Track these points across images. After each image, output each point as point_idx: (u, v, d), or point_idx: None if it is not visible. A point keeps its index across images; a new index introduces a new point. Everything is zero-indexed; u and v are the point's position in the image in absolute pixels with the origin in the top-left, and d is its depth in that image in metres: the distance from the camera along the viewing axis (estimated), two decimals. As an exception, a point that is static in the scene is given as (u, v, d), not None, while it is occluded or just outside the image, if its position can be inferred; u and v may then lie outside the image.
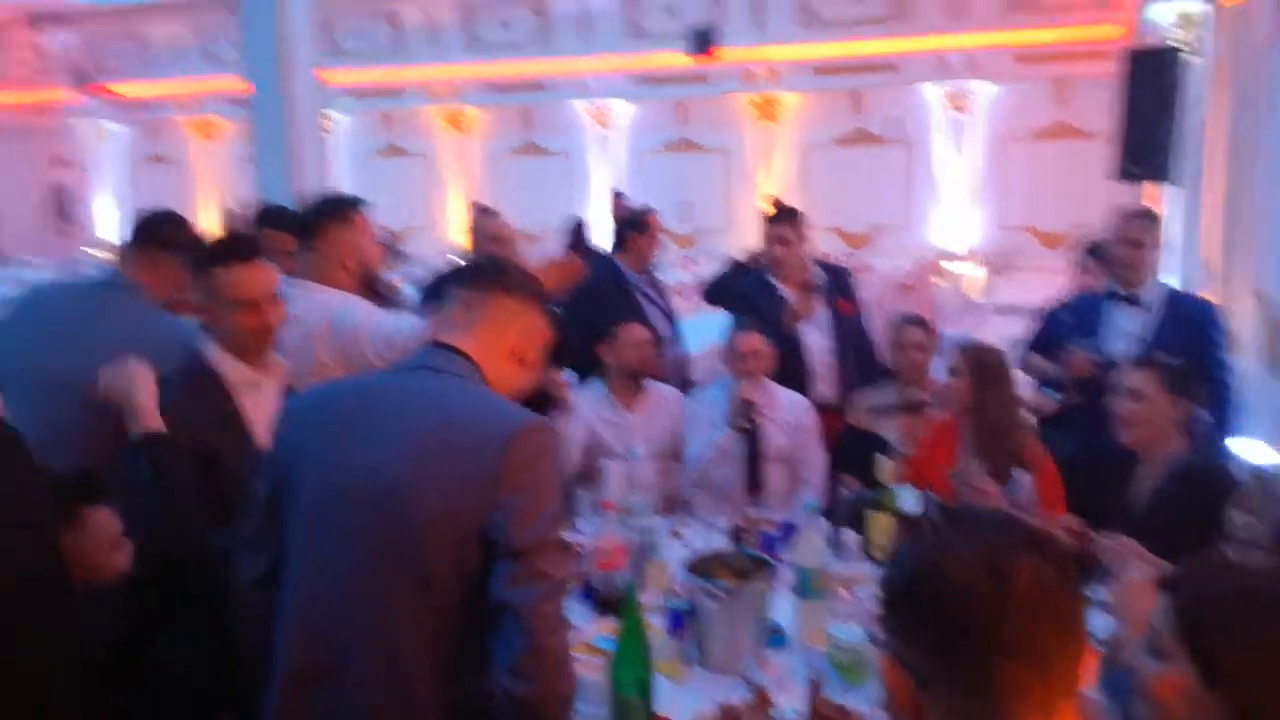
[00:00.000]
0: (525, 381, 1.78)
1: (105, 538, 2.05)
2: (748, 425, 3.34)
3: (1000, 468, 2.85)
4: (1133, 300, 3.49)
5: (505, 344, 1.72)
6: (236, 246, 2.34)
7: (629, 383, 3.60)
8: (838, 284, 4.05)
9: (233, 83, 7.57)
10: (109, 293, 2.58)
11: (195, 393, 2.21)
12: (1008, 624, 0.92)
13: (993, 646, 0.93)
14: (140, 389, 2.12)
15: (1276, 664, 1.15)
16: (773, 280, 3.98)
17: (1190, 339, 3.37)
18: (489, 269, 1.84)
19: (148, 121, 18.19)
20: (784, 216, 4.01)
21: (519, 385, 1.76)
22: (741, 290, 4.12)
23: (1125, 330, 3.51)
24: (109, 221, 18.22)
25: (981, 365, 3.06)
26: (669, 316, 4.48)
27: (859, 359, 3.98)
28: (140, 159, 18.53)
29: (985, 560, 0.94)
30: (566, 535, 1.55)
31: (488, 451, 1.52)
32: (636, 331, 3.60)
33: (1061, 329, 3.67)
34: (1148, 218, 3.54)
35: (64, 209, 18.69)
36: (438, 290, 1.87)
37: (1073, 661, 0.95)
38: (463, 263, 2.00)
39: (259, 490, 1.70)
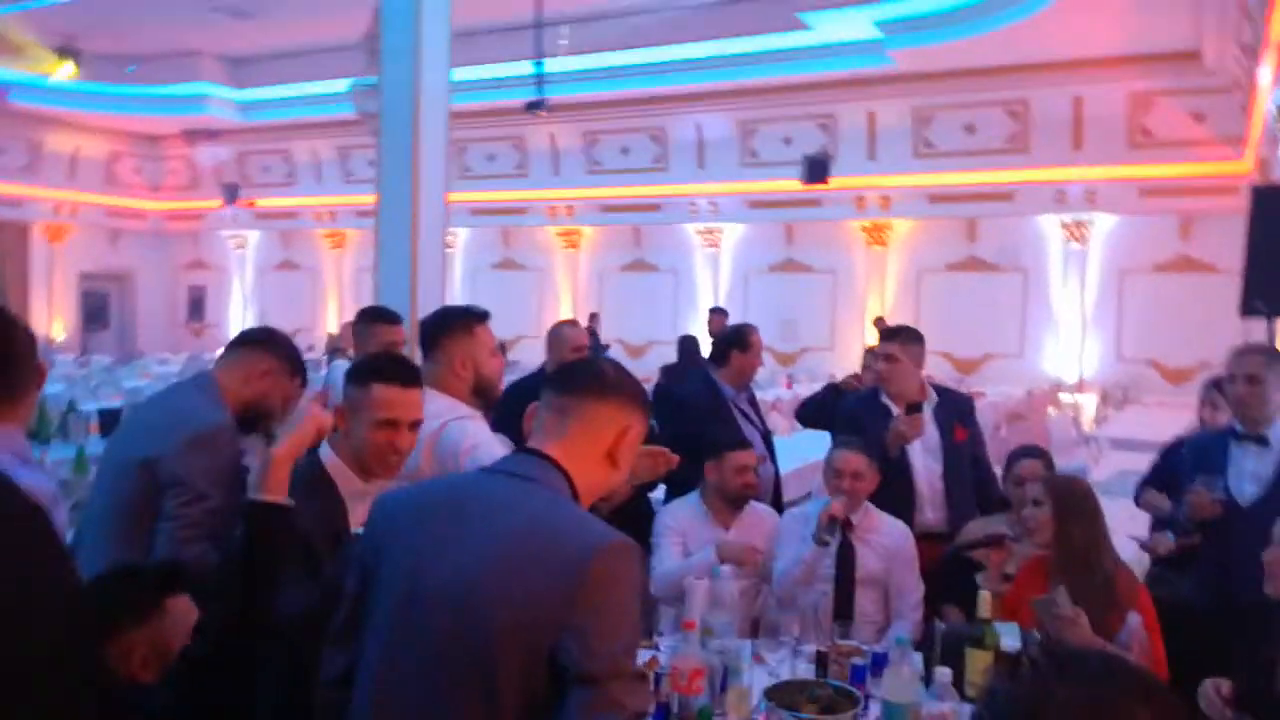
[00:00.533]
0: (616, 481, 1.75)
1: (184, 626, 2.08)
2: (829, 539, 3.26)
3: (1092, 603, 2.67)
4: (1259, 440, 3.31)
5: (598, 449, 1.68)
6: (404, 369, 2.40)
7: (728, 504, 3.56)
8: (955, 410, 3.95)
9: (365, 198, 8.05)
10: (184, 387, 2.75)
11: (310, 495, 2.24)
12: None
13: None
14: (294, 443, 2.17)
15: None
16: (884, 400, 3.92)
17: None
18: (583, 372, 1.77)
19: (283, 231, 19.38)
20: (892, 334, 3.96)
21: (610, 485, 1.74)
22: (852, 409, 4.05)
23: (1250, 471, 3.31)
24: (239, 321, 19.27)
25: (1065, 496, 2.93)
26: (765, 435, 4.43)
27: (973, 487, 3.84)
28: (270, 265, 19.67)
29: (1091, 711, 0.86)
30: (641, 665, 1.47)
31: (566, 567, 1.47)
32: (744, 456, 3.56)
33: (1182, 467, 3.49)
34: (1267, 354, 3.37)
35: (199, 309, 19.89)
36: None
37: None
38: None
39: (347, 586, 1.71)
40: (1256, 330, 7.51)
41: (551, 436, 1.68)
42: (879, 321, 12.86)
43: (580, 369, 1.81)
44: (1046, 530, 2.94)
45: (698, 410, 4.22)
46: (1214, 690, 2.38)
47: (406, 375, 2.35)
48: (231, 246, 19.85)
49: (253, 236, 19.77)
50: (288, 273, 19.44)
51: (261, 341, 2.70)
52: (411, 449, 2.35)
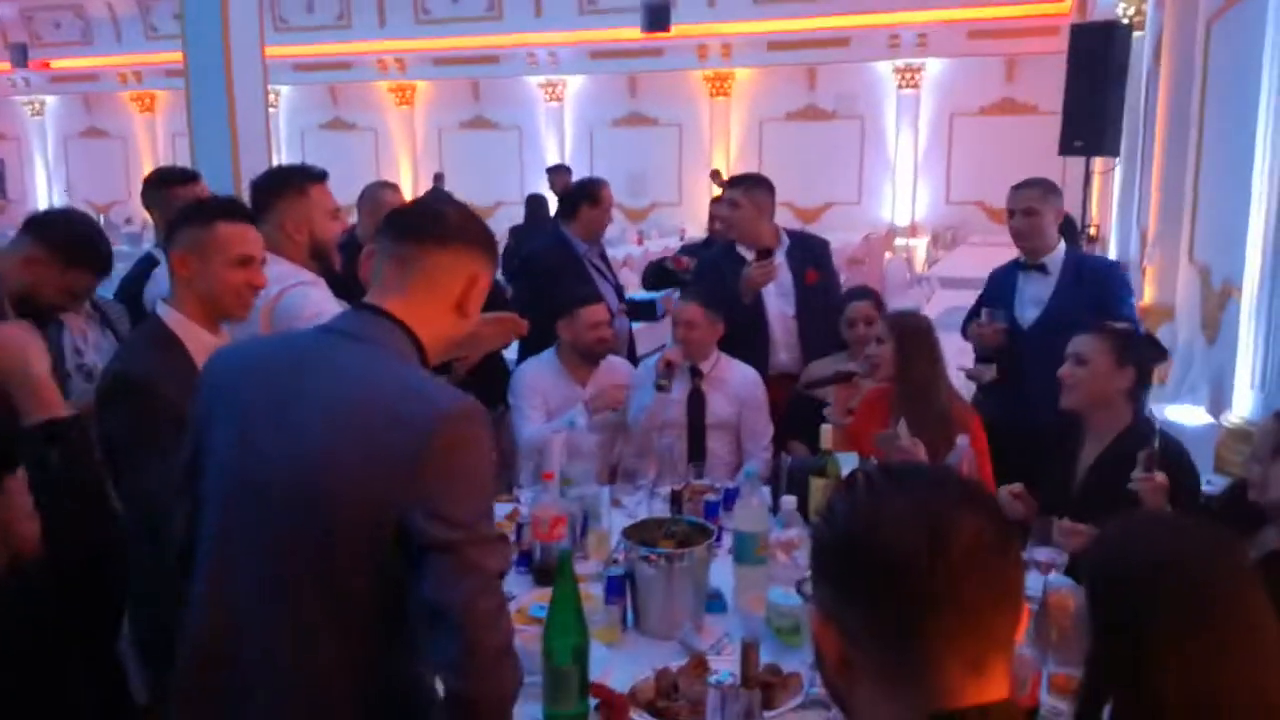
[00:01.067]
0: (464, 331, 1.64)
1: (24, 507, 1.97)
2: (665, 384, 3.37)
3: (930, 433, 2.86)
4: (1040, 269, 3.60)
5: (446, 302, 1.57)
6: (242, 206, 2.31)
7: (583, 360, 3.59)
8: (809, 253, 4.02)
9: (172, 55, 7.39)
10: None
11: (166, 357, 2.11)
12: (941, 579, 0.88)
13: (925, 600, 0.89)
14: (36, 366, 1.90)
15: (1151, 618, 1.23)
16: (740, 249, 3.96)
17: (1093, 298, 3.47)
18: (423, 217, 1.61)
19: (85, 94, 17.75)
20: (735, 182, 3.98)
21: (458, 336, 1.63)
22: (712, 260, 4.08)
23: (1032, 296, 3.61)
24: (45, 196, 17.77)
25: (905, 332, 3.08)
26: (618, 290, 4.44)
27: (826, 329, 3.96)
28: (74, 133, 18.09)
29: (923, 515, 0.90)
30: (501, 521, 1.43)
31: (409, 437, 1.38)
32: (597, 312, 3.56)
33: (982, 302, 3.76)
34: (1040, 186, 3.60)
35: (-2, 183, 18.19)
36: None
37: (1007, 620, 0.92)
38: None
39: (181, 454, 1.59)
40: (1075, 167, 7.94)
41: (392, 290, 1.55)
42: (715, 175, 12.95)
43: (420, 214, 1.64)
44: (889, 366, 3.07)
45: (549, 267, 4.17)
46: (1007, 494, 2.66)
47: (246, 212, 2.27)
48: (28, 114, 18.08)
49: (51, 102, 18.05)
50: (94, 140, 17.92)
51: (31, 226, 2.53)
52: (265, 284, 2.26)
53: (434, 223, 1.57)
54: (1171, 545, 1.29)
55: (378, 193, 4.11)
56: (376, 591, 1.41)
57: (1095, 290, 3.51)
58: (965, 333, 3.78)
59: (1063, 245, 3.65)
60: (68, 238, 2.56)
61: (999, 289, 3.72)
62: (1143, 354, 2.79)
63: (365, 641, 1.43)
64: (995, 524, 0.92)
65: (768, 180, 4.03)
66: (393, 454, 1.38)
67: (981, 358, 3.74)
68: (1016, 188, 3.65)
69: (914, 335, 3.07)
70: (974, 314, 3.83)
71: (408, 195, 4.69)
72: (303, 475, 1.42)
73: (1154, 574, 1.26)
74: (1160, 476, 2.30)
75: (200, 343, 2.15)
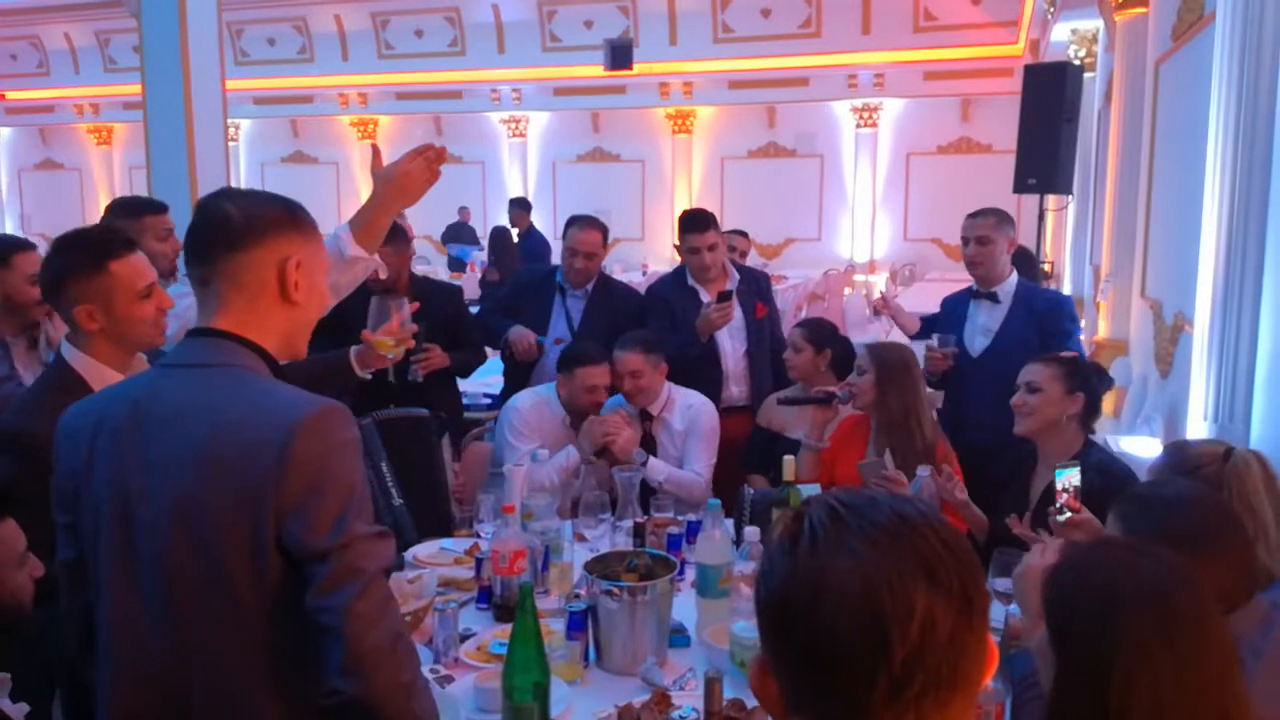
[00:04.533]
0: (310, 317, 1.59)
1: (13, 551, 1.91)
2: (594, 460, 3.38)
3: (913, 465, 2.88)
4: (991, 297, 3.67)
5: (265, 297, 1.52)
6: (123, 238, 2.23)
7: (576, 416, 3.49)
8: (755, 288, 4.05)
9: (131, 88, 7.31)
10: None
11: (69, 404, 2.06)
12: (883, 689, 0.81)
13: (865, 706, 0.82)
14: None
15: (1113, 638, 1.23)
16: (691, 283, 3.97)
17: (1040, 329, 3.57)
18: (205, 230, 1.52)
19: (41, 126, 17.53)
20: (707, 222, 3.97)
21: (303, 320, 1.58)
22: (659, 293, 4.08)
23: (982, 325, 3.69)
24: (-3, 229, 17.42)
25: (885, 363, 3.15)
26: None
27: (772, 362, 4.00)
28: (29, 165, 17.84)
29: (869, 595, 0.81)
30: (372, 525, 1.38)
31: (265, 453, 1.37)
32: (594, 374, 3.44)
33: (934, 327, 3.86)
34: (994, 216, 3.69)
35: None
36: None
37: (965, 691, 0.84)
38: None
39: (56, 518, 1.55)
40: (1029, 205, 8.08)
41: (212, 310, 1.51)
42: (696, 210, 12.98)
43: (201, 228, 1.53)
44: (868, 395, 3.15)
45: (535, 297, 4.13)
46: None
47: (131, 242, 2.22)
48: (-18, 144, 17.82)
49: (5, 133, 17.79)
50: (50, 172, 17.67)
51: None
52: (172, 305, 2.23)
53: (217, 232, 1.51)
54: (1130, 568, 1.30)
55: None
56: (273, 608, 1.41)
57: (1043, 322, 3.59)
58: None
59: (1015, 276, 3.73)
60: None
61: (950, 316, 3.80)
62: (1091, 381, 2.85)
63: (275, 658, 1.43)
64: (953, 597, 0.82)
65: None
66: (252, 480, 1.37)
67: (929, 383, 3.80)
68: (971, 216, 3.75)
69: (894, 367, 3.14)
70: (924, 338, 3.91)
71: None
72: (179, 519, 1.40)
73: (1115, 597, 1.26)
74: (1085, 514, 2.29)
75: (107, 384, 2.11)
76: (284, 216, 1.56)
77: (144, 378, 1.56)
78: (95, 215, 16.52)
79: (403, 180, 2.25)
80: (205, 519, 1.39)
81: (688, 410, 3.52)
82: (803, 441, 3.28)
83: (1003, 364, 3.51)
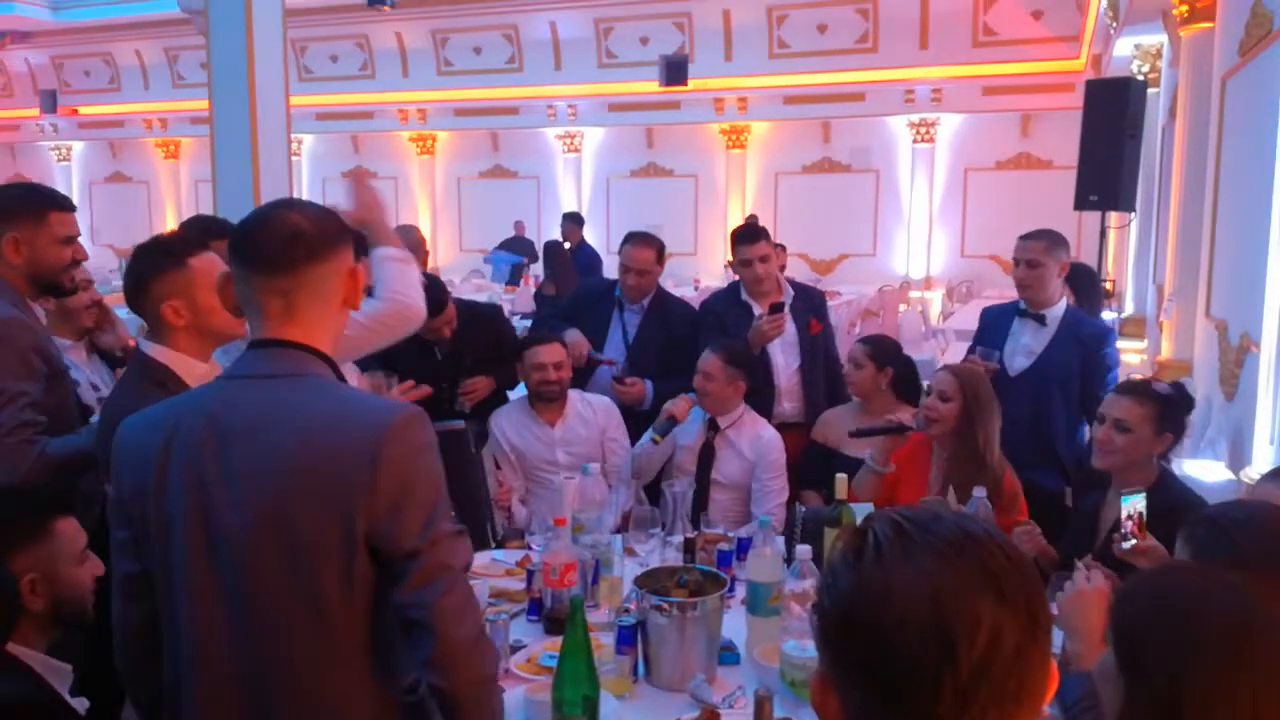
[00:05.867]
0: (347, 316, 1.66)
1: (72, 549, 1.97)
2: (659, 439, 3.43)
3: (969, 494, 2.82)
4: (1038, 319, 3.62)
5: (334, 304, 1.57)
6: (197, 238, 2.36)
7: (542, 401, 3.62)
8: (810, 305, 4.04)
9: (198, 103, 7.50)
10: None
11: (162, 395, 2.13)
12: (948, 700, 0.81)
13: (931, 716, 0.82)
14: None
15: (1189, 668, 1.19)
16: (745, 298, 3.98)
17: (1083, 358, 3.52)
18: (283, 239, 1.53)
19: (111, 141, 18.06)
20: (755, 235, 3.98)
21: (346, 322, 1.65)
22: (714, 309, 4.09)
23: (1025, 345, 3.63)
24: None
25: (976, 396, 3.04)
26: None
27: (826, 379, 3.98)
28: (99, 178, 18.39)
29: (935, 606, 0.81)
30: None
31: (358, 458, 1.42)
32: (542, 353, 3.59)
33: (976, 339, 3.82)
34: (1046, 239, 3.62)
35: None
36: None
37: (1032, 709, 0.84)
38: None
39: (115, 536, 1.57)
40: (1090, 222, 7.94)
41: (281, 319, 1.53)
42: (751, 221, 13.01)
43: (275, 235, 1.54)
44: (949, 424, 3.03)
45: (594, 308, 4.19)
46: (1020, 533, 2.65)
47: (201, 241, 2.35)
48: (54, 159, 18.39)
49: (77, 148, 18.36)
50: (118, 185, 18.20)
51: None
52: None
53: (297, 242, 1.53)
54: (1202, 592, 1.27)
55: (409, 235, 4.36)
56: (363, 608, 1.46)
57: (1087, 351, 3.54)
58: None
59: (1064, 301, 3.66)
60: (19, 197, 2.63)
61: (992, 330, 3.74)
62: (1182, 421, 2.71)
63: (368, 664, 1.47)
64: (1019, 611, 0.83)
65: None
66: (344, 486, 1.42)
67: None
68: (1024, 238, 3.69)
69: (984, 400, 3.04)
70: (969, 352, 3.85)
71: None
72: (269, 526, 1.43)
73: (1190, 625, 1.23)
74: (1150, 541, 2.23)
75: (195, 375, 2.17)
76: (344, 227, 1.63)
77: (213, 390, 1.57)
78: (161, 227, 16.97)
79: (375, 201, 2.39)
80: (295, 525, 1.43)
81: (758, 440, 3.49)
82: (867, 462, 3.21)
83: (1040, 387, 3.52)
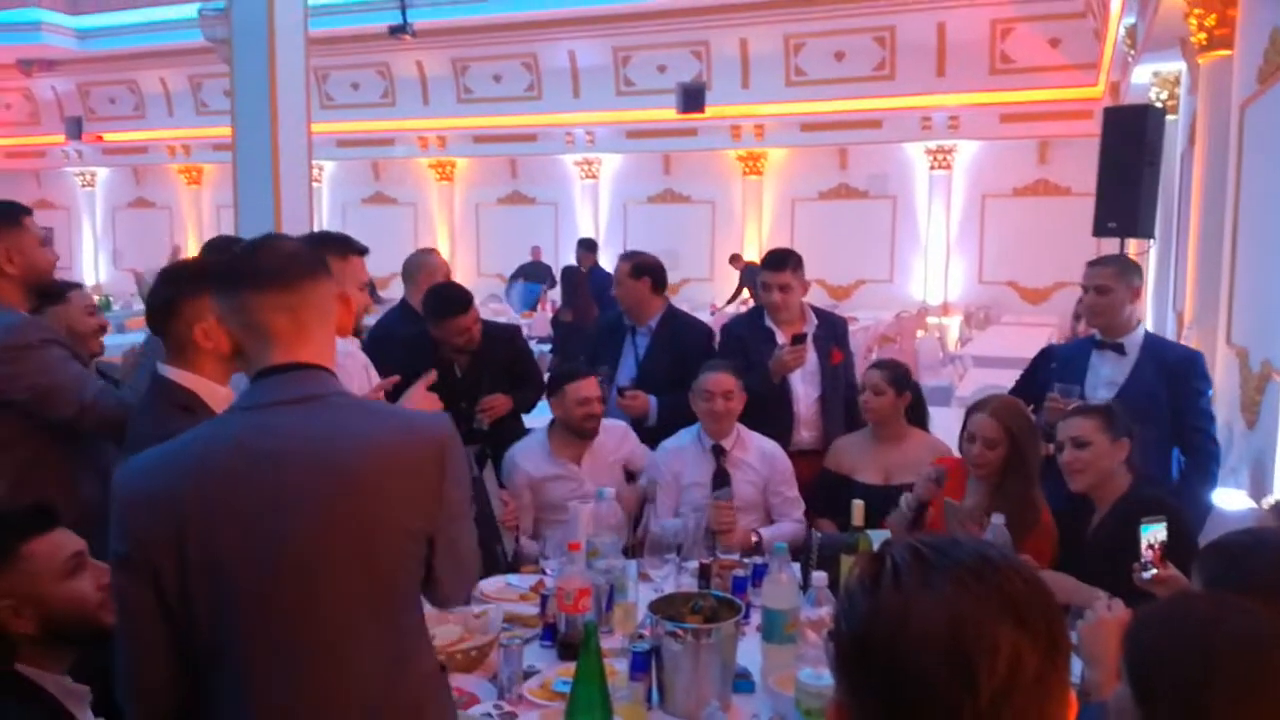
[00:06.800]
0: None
1: (54, 565, 1.84)
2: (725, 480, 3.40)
3: (1017, 534, 2.78)
4: (1116, 348, 3.48)
5: (331, 323, 1.59)
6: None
7: (576, 436, 3.54)
8: (832, 333, 4.02)
9: (221, 130, 7.59)
10: None
11: (190, 420, 2.12)
12: (977, 716, 0.80)
13: None
14: None
15: (1205, 694, 1.18)
16: (768, 324, 3.96)
17: (1171, 387, 3.36)
18: (283, 258, 1.54)
19: (135, 166, 18.29)
20: (780, 261, 3.97)
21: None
22: (735, 332, 4.09)
23: (1106, 377, 3.48)
24: (91, 263, 18.21)
25: (1020, 431, 2.98)
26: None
27: (844, 407, 3.96)
28: (123, 204, 18.61)
29: (954, 631, 0.80)
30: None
31: (425, 473, 1.52)
32: (583, 388, 3.50)
33: (1051, 377, 3.65)
34: (1115, 264, 3.54)
35: (47, 251, 18.60)
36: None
37: None
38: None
39: (131, 599, 1.46)
40: (1109, 250, 7.91)
41: (289, 340, 1.50)
42: (735, 259, 13.06)
43: (276, 254, 1.54)
44: (993, 467, 2.98)
45: (609, 335, 4.25)
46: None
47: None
48: (79, 184, 18.65)
49: (101, 173, 18.62)
50: (141, 210, 18.42)
51: None
52: None
53: (302, 261, 1.55)
54: (1215, 618, 1.25)
55: (428, 259, 4.45)
56: (411, 588, 1.56)
57: (1173, 380, 3.38)
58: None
59: (1142, 327, 3.54)
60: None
61: (1069, 365, 3.57)
62: (1127, 425, 2.80)
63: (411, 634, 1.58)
64: (1039, 638, 0.82)
65: (800, 257, 4.05)
66: (417, 494, 1.50)
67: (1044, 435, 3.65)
68: (1092, 263, 3.56)
69: (1027, 435, 2.99)
70: (1016, 390, 3.77)
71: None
72: (337, 544, 1.44)
73: (1205, 654, 1.21)
74: (1170, 570, 2.20)
75: (218, 399, 2.17)
76: (325, 253, 1.73)
77: (235, 421, 1.52)
78: (183, 253, 17.13)
79: None
80: (373, 544, 1.46)
81: (763, 451, 3.49)
82: (903, 502, 3.15)
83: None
